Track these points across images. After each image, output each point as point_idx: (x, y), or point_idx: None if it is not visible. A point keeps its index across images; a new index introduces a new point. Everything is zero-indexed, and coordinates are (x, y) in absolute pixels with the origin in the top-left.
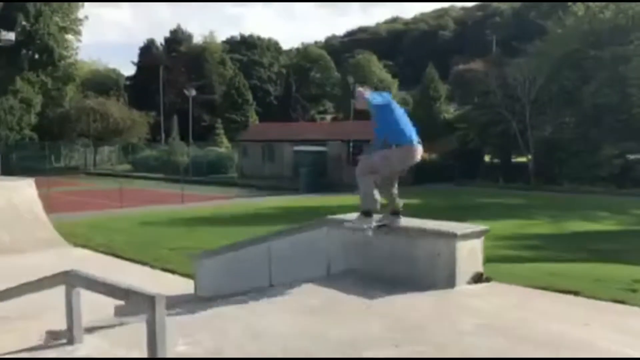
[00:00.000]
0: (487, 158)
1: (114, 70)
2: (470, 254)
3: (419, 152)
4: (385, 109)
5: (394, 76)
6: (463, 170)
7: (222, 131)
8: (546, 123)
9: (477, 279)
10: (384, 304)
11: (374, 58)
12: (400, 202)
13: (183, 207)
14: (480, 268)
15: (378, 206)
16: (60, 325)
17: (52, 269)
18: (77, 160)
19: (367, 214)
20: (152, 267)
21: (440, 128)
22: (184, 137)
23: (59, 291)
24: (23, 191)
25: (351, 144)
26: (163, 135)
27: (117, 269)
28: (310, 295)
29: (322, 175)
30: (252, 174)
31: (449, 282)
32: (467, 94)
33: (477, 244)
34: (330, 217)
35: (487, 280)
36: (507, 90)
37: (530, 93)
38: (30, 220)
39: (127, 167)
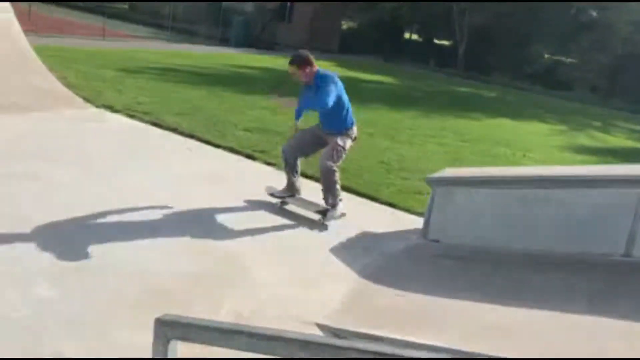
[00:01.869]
0: (406, 35)
1: None
2: None
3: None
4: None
5: None
6: (388, 44)
7: None
8: (485, 9)
9: None
10: None
11: None
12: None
13: (115, 46)
14: None
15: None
16: None
17: (110, 143)
18: None
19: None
20: (275, 165)
21: None
22: None
23: None
24: None
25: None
26: None
27: (229, 164)
28: None
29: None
30: (148, 9)
31: None
32: None
33: None
34: None
35: None
36: None
37: None
38: (18, 62)
39: None
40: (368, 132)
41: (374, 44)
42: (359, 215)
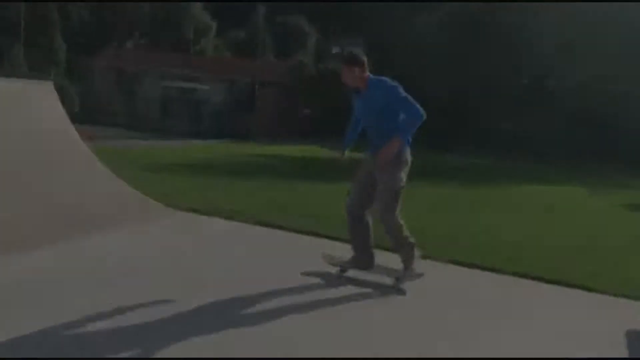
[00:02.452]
0: None
1: None
2: None
3: None
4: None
5: (213, 17)
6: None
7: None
8: (445, 84)
9: None
10: None
11: None
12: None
13: (104, 145)
14: None
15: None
16: None
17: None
18: None
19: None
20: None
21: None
22: None
23: None
24: (47, 105)
25: (257, 86)
26: None
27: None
28: None
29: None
30: (99, 108)
31: None
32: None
33: None
34: None
35: None
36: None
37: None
38: (76, 161)
39: None
40: (440, 209)
41: (332, 129)
42: (573, 308)
